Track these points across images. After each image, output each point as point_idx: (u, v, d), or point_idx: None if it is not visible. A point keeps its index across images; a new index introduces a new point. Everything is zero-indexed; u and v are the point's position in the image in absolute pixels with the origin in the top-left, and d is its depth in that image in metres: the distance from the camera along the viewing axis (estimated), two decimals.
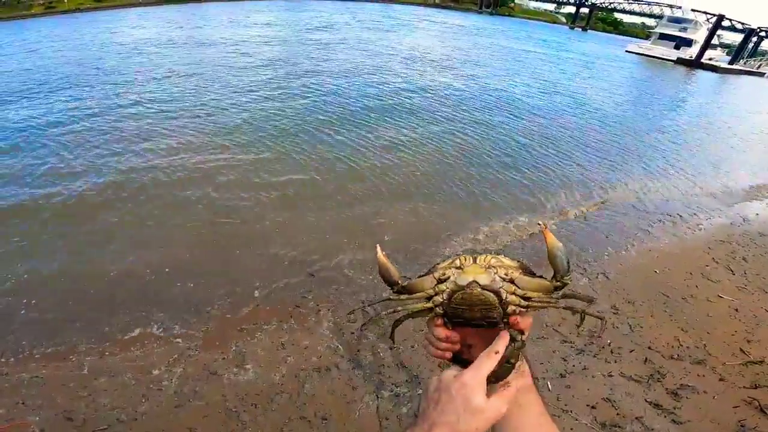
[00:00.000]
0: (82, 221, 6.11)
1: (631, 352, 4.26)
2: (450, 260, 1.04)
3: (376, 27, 36.10)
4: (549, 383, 3.82)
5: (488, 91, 16.73)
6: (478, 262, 1.00)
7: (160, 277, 5.08)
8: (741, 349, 4.40)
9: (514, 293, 0.97)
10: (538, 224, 0.97)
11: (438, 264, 1.07)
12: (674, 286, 5.50)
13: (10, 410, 3.40)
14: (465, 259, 1.02)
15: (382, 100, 13.47)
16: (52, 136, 8.98)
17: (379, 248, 1.11)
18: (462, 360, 1.04)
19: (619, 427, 3.43)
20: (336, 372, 3.85)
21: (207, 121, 10.34)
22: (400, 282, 1.09)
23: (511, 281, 0.98)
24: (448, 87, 16.47)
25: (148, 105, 11.36)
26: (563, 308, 1.00)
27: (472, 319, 0.99)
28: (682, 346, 4.38)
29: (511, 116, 13.59)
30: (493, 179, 8.62)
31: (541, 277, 1.01)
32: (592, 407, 3.59)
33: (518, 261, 1.04)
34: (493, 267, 0.99)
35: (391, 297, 1.13)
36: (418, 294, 1.07)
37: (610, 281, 5.56)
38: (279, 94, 13.14)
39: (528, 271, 1.02)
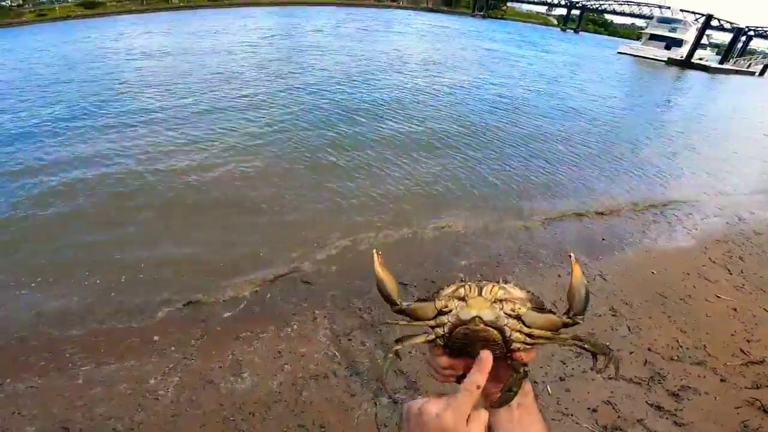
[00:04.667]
0: (84, 228, 6.05)
1: (630, 354, 4.24)
2: (454, 287, 0.97)
3: (369, 31, 36.20)
4: (548, 387, 3.80)
5: (483, 94, 16.80)
6: (483, 293, 0.93)
7: (154, 286, 5.03)
8: (741, 350, 4.40)
9: (519, 330, 0.91)
10: (569, 255, 0.89)
11: (441, 290, 0.99)
12: (672, 287, 5.50)
13: (6, 420, 3.36)
14: (470, 289, 0.94)
15: (367, 102, 13.51)
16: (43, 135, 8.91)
17: (376, 257, 1.04)
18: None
19: (621, 430, 3.41)
20: (334, 379, 3.81)
21: (190, 135, 10.28)
22: (398, 303, 1.01)
23: (518, 317, 0.91)
24: (443, 90, 16.51)
25: (159, 113, 11.35)
26: (572, 346, 0.94)
27: (474, 353, 0.90)
28: (681, 347, 4.37)
29: (507, 119, 13.60)
30: (482, 179, 8.63)
31: (550, 311, 0.94)
32: (593, 410, 3.57)
33: (528, 291, 0.97)
34: (499, 301, 0.92)
35: (389, 321, 1.06)
36: (418, 323, 1.00)
37: (607, 283, 5.55)
38: (292, 104, 13.11)
39: (537, 304, 0.95)
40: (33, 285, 4.96)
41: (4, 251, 5.57)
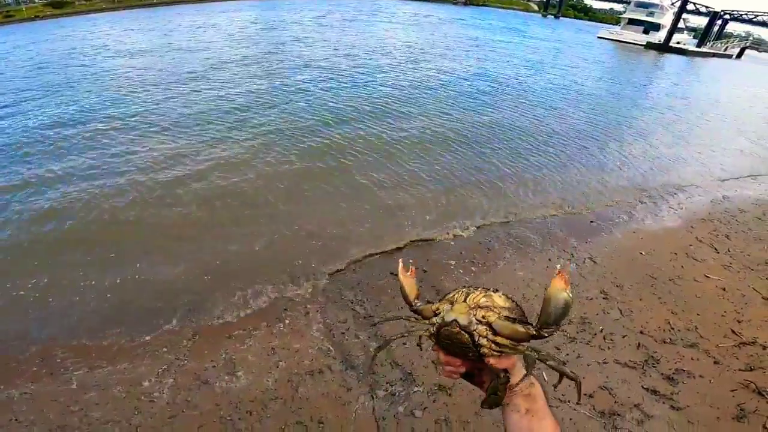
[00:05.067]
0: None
1: (623, 337, 4.28)
2: (453, 292, 1.08)
3: (355, 21, 35.83)
4: (544, 373, 3.80)
5: (467, 82, 16.77)
6: (468, 299, 1.02)
7: (142, 287, 4.96)
8: (732, 330, 4.46)
9: (486, 336, 0.97)
10: (557, 267, 0.92)
11: (447, 294, 1.09)
12: (661, 268, 5.57)
13: (4, 427, 3.31)
14: (459, 295, 1.05)
15: (355, 94, 13.40)
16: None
17: (401, 264, 1.22)
18: (472, 378, 1.08)
19: (619, 415, 3.44)
20: (329, 374, 3.79)
21: (169, 134, 10.09)
22: (414, 304, 1.15)
23: (488, 324, 0.98)
24: (431, 78, 16.44)
25: (148, 114, 11.11)
26: (533, 362, 0.96)
27: (458, 353, 1.02)
28: (673, 329, 4.42)
29: (488, 107, 13.58)
30: (463, 171, 8.59)
31: (525, 322, 0.98)
32: (590, 396, 3.60)
33: (513, 301, 1.03)
34: (478, 308, 1.00)
35: (403, 317, 1.21)
36: (421, 323, 1.11)
37: (597, 265, 5.59)
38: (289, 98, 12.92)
39: (518, 314, 1.01)
40: (22, 292, 4.85)
41: None
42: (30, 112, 10.93)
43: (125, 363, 3.90)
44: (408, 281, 1.18)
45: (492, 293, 1.03)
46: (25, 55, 19.64)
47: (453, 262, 5.48)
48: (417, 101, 13.05)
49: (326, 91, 13.30)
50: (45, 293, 4.81)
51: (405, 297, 1.17)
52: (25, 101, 11.91)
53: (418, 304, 1.14)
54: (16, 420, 3.36)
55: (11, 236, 5.87)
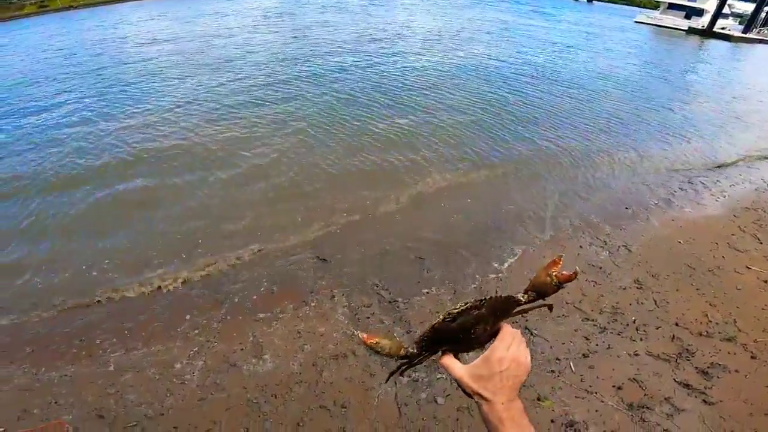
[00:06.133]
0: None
1: (657, 329, 4.14)
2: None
3: (376, 5, 35.24)
4: (571, 364, 3.74)
5: (499, 64, 16.36)
6: None
7: (174, 267, 5.10)
8: None
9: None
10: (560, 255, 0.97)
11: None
12: (700, 258, 5.34)
13: (44, 410, 3.45)
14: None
15: (384, 76, 13.25)
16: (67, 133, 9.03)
17: (362, 336, 1.12)
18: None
19: (648, 408, 3.34)
20: (353, 359, 3.82)
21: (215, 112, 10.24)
22: (404, 355, 1.09)
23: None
24: (460, 62, 16.11)
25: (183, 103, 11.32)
26: None
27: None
28: (711, 321, 4.25)
29: (525, 87, 13.22)
30: (497, 145, 8.46)
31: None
32: (618, 388, 3.51)
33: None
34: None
35: (402, 369, 1.16)
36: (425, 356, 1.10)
37: (632, 254, 5.41)
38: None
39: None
40: (60, 270, 5.07)
41: (32, 239, 5.69)
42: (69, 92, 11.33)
43: (159, 344, 4.04)
44: (381, 342, 1.10)
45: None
46: (65, 44, 20.16)
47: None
48: (458, 84, 12.84)
49: (372, 74, 13.24)
50: (84, 271, 5.03)
51: (392, 356, 1.10)
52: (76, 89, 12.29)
53: (409, 350, 1.09)
54: (55, 403, 3.51)
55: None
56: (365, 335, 1.11)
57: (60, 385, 3.67)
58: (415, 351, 1.08)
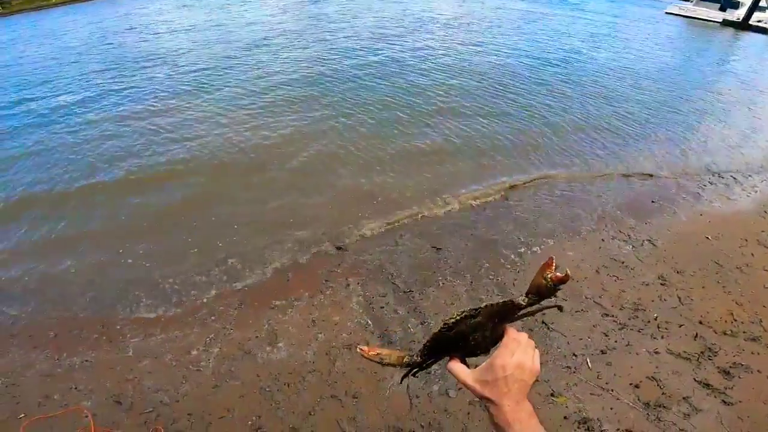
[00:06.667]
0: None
1: (680, 327, 4.02)
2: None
3: None
4: (588, 360, 3.67)
5: (521, 54, 15.96)
6: None
7: (191, 255, 5.18)
8: None
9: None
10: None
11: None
12: (728, 254, 5.16)
13: (64, 395, 3.54)
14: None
15: (403, 63, 13.09)
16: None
17: (361, 348, 1.16)
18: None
19: (665, 407, 3.25)
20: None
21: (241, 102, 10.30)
22: (404, 361, 1.13)
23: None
24: (481, 50, 15.83)
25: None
26: None
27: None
28: (736, 321, 4.10)
29: (549, 79, 12.91)
30: (517, 138, 8.32)
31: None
32: (636, 386, 3.43)
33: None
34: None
35: (412, 375, 1.18)
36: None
37: (657, 249, 5.26)
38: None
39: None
40: (82, 259, 5.20)
41: (54, 227, 5.83)
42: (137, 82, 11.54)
43: (177, 331, 4.11)
44: (382, 353, 1.15)
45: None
46: (91, 32, 20.50)
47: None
48: (464, 68, 12.64)
49: (390, 65, 13.11)
50: (105, 259, 5.15)
51: (395, 365, 1.15)
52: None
53: (413, 359, 1.12)
54: (75, 389, 3.59)
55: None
56: (365, 348, 1.15)
57: (81, 370, 3.76)
58: (419, 359, 1.10)
